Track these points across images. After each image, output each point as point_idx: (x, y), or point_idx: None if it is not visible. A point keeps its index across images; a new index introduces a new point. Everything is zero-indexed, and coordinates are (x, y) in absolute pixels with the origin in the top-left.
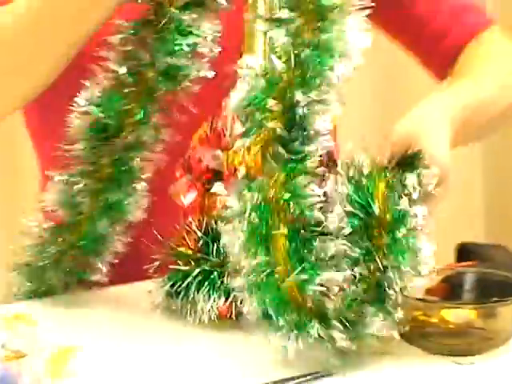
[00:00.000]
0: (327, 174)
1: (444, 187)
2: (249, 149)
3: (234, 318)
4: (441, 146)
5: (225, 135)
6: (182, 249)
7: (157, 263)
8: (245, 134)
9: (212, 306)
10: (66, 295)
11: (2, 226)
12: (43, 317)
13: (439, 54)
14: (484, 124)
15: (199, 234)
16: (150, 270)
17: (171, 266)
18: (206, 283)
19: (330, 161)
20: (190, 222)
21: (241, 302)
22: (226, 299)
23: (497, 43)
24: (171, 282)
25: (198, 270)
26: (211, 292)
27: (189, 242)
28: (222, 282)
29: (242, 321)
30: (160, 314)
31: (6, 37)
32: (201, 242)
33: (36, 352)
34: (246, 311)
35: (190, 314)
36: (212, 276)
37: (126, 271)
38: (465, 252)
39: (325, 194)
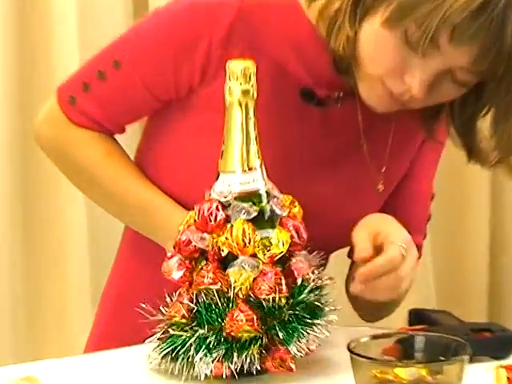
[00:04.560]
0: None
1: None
2: (231, 231)
3: (226, 376)
4: (402, 231)
5: (210, 220)
6: (176, 318)
7: (158, 331)
8: (227, 220)
9: (208, 366)
10: (66, 358)
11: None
12: (48, 379)
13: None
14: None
15: (191, 305)
16: (149, 339)
17: (171, 333)
18: (204, 347)
19: (299, 237)
20: (181, 295)
21: (234, 362)
22: (221, 360)
23: None
24: (171, 347)
25: (196, 336)
26: (208, 354)
27: (184, 313)
28: (217, 345)
29: (234, 378)
30: (157, 375)
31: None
32: (193, 312)
33: None
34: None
35: (188, 374)
36: (208, 340)
37: (122, 335)
38: (416, 317)
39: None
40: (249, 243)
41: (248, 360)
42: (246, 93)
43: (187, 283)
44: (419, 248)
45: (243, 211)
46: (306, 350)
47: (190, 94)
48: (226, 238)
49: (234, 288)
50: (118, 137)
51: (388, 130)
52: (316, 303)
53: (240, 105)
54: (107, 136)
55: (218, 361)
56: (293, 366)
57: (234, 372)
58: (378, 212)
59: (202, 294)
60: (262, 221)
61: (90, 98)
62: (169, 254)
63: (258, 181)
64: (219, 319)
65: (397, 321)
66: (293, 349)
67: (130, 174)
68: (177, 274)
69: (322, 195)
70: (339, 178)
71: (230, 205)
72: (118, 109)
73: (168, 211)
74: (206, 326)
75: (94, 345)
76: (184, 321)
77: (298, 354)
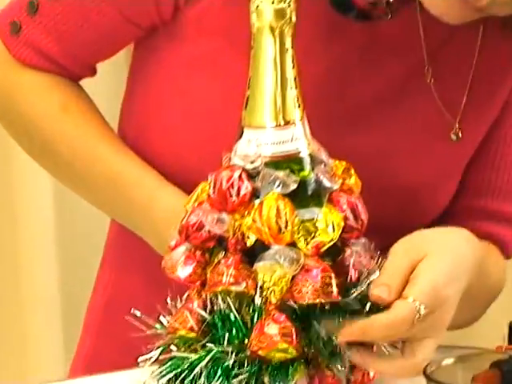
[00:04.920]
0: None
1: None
2: (260, 211)
3: None
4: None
5: (231, 195)
6: (182, 332)
7: (158, 350)
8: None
9: None
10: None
11: None
12: None
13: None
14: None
15: (203, 313)
16: (142, 358)
17: (175, 353)
18: (220, 372)
19: (355, 219)
20: (189, 300)
21: None
22: None
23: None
24: (173, 373)
25: (209, 357)
26: (225, 382)
27: (193, 324)
28: (239, 370)
29: None
30: None
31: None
32: (205, 324)
33: None
34: None
35: None
36: (225, 364)
37: (113, 357)
38: None
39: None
40: (285, 228)
41: None
42: (280, 14)
43: (198, 283)
44: None
45: (277, 182)
46: (364, 376)
47: (176, 16)
48: (254, 221)
49: (265, 290)
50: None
51: (467, 52)
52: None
53: (272, 32)
54: (67, 81)
55: None
56: None
57: None
58: (454, 179)
59: (219, 299)
60: (303, 196)
61: (38, 22)
62: (172, 243)
63: (298, 140)
64: (242, 334)
65: (492, 336)
66: (345, 376)
67: (96, 135)
68: (184, 271)
69: (368, 152)
70: (393, 126)
71: (258, 173)
72: (79, 37)
73: (148, 186)
74: (224, 344)
75: (78, 372)
76: (192, 335)
77: (353, 382)
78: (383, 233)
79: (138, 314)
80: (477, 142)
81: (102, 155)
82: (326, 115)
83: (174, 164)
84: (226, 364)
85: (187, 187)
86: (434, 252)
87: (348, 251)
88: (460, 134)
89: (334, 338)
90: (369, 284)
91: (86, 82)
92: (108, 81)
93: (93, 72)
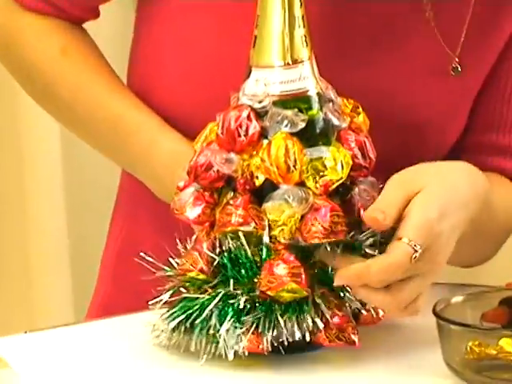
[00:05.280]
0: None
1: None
2: (269, 150)
3: (266, 353)
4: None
5: (239, 135)
6: (192, 273)
7: (168, 292)
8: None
9: (238, 340)
10: (49, 330)
11: None
12: (20, 358)
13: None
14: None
15: (213, 255)
16: (153, 301)
17: (185, 295)
18: (231, 313)
19: (364, 157)
20: (199, 241)
21: (277, 333)
22: (257, 330)
23: None
24: (184, 314)
25: (219, 298)
26: (236, 323)
27: (203, 265)
28: (250, 310)
29: (277, 356)
30: (168, 352)
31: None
32: (215, 265)
33: None
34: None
35: (210, 351)
36: (236, 304)
37: (128, 304)
38: None
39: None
40: (294, 167)
41: (294, 330)
42: None
43: (207, 224)
44: None
45: (286, 121)
46: (374, 315)
47: None
48: (262, 160)
49: (274, 230)
50: None
51: None
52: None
53: None
54: (68, 25)
55: (252, 332)
56: (355, 338)
57: (279, 346)
58: (461, 116)
59: (228, 239)
60: (312, 135)
61: None
62: (181, 184)
63: (306, 78)
64: (251, 273)
65: (502, 273)
66: (354, 314)
67: (97, 79)
68: (192, 212)
69: (368, 90)
70: (394, 64)
71: (266, 113)
72: None
73: (149, 131)
74: (234, 284)
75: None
76: (202, 277)
77: (362, 321)
78: (390, 172)
79: (148, 257)
80: (481, 76)
81: (102, 100)
82: (324, 53)
83: (175, 111)
84: (237, 304)
85: (188, 135)
86: (429, 186)
87: (356, 190)
88: (460, 69)
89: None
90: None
91: (92, 26)
92: (116, 24)
93: (95, 14)
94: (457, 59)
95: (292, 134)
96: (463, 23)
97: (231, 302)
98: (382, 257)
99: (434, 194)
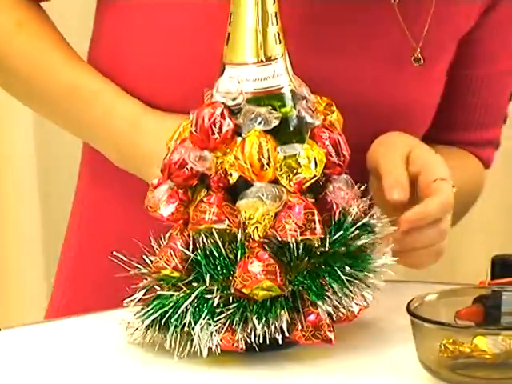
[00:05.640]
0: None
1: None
2: (242, 148)
3: (240, 350)
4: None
5: (213, 133)
6: (166, 271)
7: (141, 291)
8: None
9: (212, 338)
10: (21, 327)
11: None
12: None
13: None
14: None
15: (187, 252)
16: (127, 300)
17: (159, 292)
18: (205, 310)
19: (337, 155)
20: (172, 239)
21: (251, 331)
22: (231, 327)
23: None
24: (159, 312)
25: (194, 296)
26: (211, 321)
27: (177, 263)
28: (224, 307)
29: (252, 354)
30: (143, 349)
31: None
32: (189, 262)
33: None
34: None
35: (184, 348)
36: (211, 302)
37: (96, 297)
38: (501, 266)
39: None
40: (268, 164)
41: (269, 328)
42: None
43: (181, 222)
44: (495, 141)
45: (259, 119)
46: (349, 313)
47: None
48: (236, 158)
49: (248, 227)
50: None
51: None
52: (362, 248)
53: None
54: (26, 1)
55: (226, 330)
56: (331, 336)
57: (254, 344)
58: (428, 106)
59: (202, 237)
60: (286, 132)
61: None
62: (155, 182)
63: (279, 76)
64: (226, 271)
65: (475, 272)
66: (329, 312)
67: (53, 48)
68: (166, 210)
69: (331, 77)
70: (356, 49)
71: (240, 110)
72: None
73: (106, 97)
74: (208, 282)
75: (54, 314)
76: (176, 274)
77: (337, 319)
78: (361, 161)
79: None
80: (443, 68)
81: (58, 69)
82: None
83: (148, 88)
84: (211, 302)
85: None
86: (417, 144)
87: (330, 187)
88: (422, 60)
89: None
90: (353, 226)
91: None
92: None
93: None
94: (419, 50)
95: (266, 132)
96: (428, 14)
97: (207, 297)
98: (437, 196)
99: (427, 148)
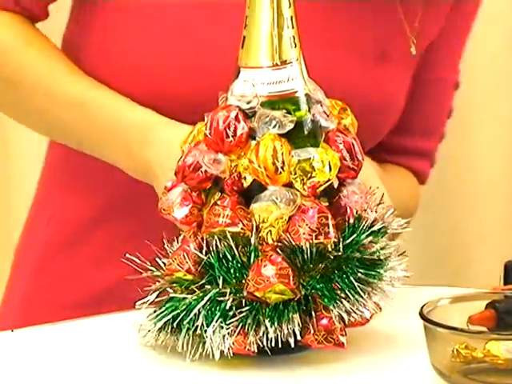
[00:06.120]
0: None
1: None
2: (257, 151)
3: (252, 353)
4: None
5: (227, 136)
6: (179, 274)
7: (154, 293)
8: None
9: (224, 341)
10: (33, 328)
11: None
12: (4, 357)
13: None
14: None
15: (200, 255)
16: (139, 302)
17: (172, 295)
18: (218, 313)
19: (352, 159)
20: (186, 241)
21: (263, 334)
22: (243, 331)
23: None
24: (172, 314)
25: (206, 299)
26: (223, 324)
27: (190, 266)
28: (237, 311)
29: (264, 357)
30: (155, 352)
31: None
32: (202, 265)
33: None
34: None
35: (196, 351)
36: (223, 304)
37: (109, 299)
38: None
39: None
40: (282, 168)
41: (281, 332)
42: None
43: (194, 225)
44: (430, 154)
45: (274, 122)
46: (361, 318)
47: None
48: (250, 161)
49: (261, 231)
50: None
51: None
52: (375, 253)
53: None
54: (27, 21)
55: (238, 333)
56: (344, 340)
57: (266, 347)
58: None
59: (216, 240)
60: (300, 136)
61: None
62: (168, 184)
63: (294, 79)
64: (239, 274)
65: (488, 277)
66: (342, 316)
67: (57, 64)
68: (180, 212)
69: (327, 65)
70: (358, 42)
71: (255, 113)
72: None
73: (112, 105)
74: (221, 285)
75: (12, 314)
76: (189, 277)
77: (349, 323)
78: None
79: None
80: (409, 66)
81: (64, 85)
82: None
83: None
84: (224, 305)
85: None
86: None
87: (344, 191)
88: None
89: (332, 277)
90: (366, 231)
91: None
92: None
93: (46, 15)
94: (413, 42)
95: (280, 135)
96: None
97: (220, 300)
98: None
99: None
